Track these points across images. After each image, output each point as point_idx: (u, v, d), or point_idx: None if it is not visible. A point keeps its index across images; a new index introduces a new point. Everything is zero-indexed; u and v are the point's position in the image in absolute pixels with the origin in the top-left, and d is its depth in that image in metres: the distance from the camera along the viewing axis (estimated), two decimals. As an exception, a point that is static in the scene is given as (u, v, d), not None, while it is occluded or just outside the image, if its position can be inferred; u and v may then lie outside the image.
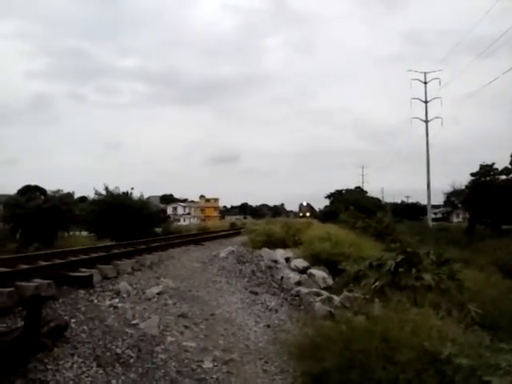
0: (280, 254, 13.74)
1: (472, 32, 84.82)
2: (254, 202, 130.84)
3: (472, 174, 42.96)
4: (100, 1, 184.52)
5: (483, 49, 78.35)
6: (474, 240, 32.13)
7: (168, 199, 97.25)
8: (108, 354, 5.33)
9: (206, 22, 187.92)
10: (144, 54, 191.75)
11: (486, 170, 42.00)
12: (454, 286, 7.18)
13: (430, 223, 46.89)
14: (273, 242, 15.66)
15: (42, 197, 25.27)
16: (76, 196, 26.63)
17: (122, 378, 4.89)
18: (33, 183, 46.68)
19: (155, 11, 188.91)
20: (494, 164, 41.87)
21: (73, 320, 6.03)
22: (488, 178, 41.36)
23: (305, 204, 69.51)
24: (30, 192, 31.48)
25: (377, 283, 7.00)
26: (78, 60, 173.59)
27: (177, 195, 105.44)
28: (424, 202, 56.03)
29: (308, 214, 62.44)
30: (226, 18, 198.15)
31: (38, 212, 20.70)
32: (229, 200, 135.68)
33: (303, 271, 11.76)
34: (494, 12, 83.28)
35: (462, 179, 47.38)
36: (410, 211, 67.08)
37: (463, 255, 20.52)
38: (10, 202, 22.99)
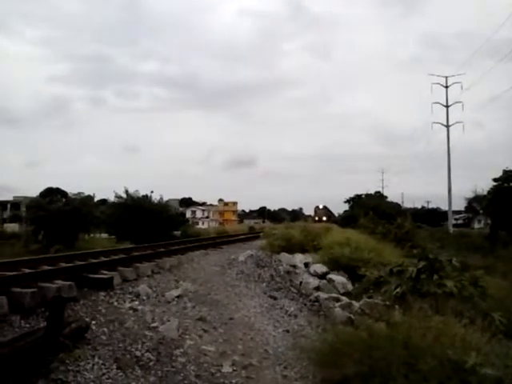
0: (299, 258, 13.67)
1: (494, 35, 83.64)
2: (272, 206, 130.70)
3: (494, 180, 42.18)
4: (120, 6, 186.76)
5: (505, 52, 76.89)
6: (497, 247, 31.55)
7: (187, 202, 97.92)
8: (128, 356, 5.35)
9: (225, 26, 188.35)
10: (163, 58, 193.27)
11: (509, 176, 41.17)
12: (477, 294, 7.06)
13: (451, 229, 46.22)
14: (291, 247, 15.58)
15: (64, 199, 25.71)
16: (96, 198, 27.09)
17: (142, 380, 4.90)
18: (54, 186, 47.67)
19: (174, 16, 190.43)
20: (517, 169, 41.07)
21: (93, 322, 6.08)
22: (511, 184, 40.56)
23: (321, 207, 62.83)
24: (52, 194, 32.05)
25: (398, 290, 6.91)
26: (98, 64, 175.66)
27: (196, 198, 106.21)
28: (445, 207, 55.41)
29: (325, 219, 56.26)
30: (244, 23, 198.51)
31: (60, 214, 21.06)
32: (247, 204, 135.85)
33: (322, 276, 11.68)
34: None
35: (484, 185, 46.57)
36: (431, 217, 66.35)
37: (485, 262, 20.18)
38: (33, 205, 23.46)
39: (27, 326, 5.55)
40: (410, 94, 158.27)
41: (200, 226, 64.20)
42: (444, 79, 47.60)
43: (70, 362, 4.81)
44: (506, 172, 41.63)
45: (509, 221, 37.28)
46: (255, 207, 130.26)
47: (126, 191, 24.62)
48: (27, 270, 7.87)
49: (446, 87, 47.76)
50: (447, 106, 47.84)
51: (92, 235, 26.46)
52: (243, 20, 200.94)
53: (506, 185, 40.76)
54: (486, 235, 39.56)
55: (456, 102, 47.02)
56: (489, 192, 43.18)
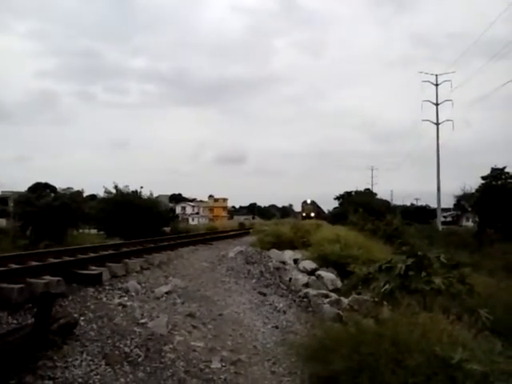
0: (288, 255, 13.71)
1: (484, 34, 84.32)
2: (262, 202, 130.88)
3: (483, 178, 42.57)
4: (111, 1, 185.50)
5: (495, 51, 77.62)
6: (484, 244, 31.87)
7: (177, 198, 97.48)
8: (116, 352, 5.34)
9: (216, 22, 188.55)
10: (154, 54, 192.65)
11: (498, 174, 41.59)
12: (465, 291, 7.11)
13: (440, 226, 46.59)
14: (281, 243, 15.64)
15: (52, 194, 25.47)
16: (85, 194, 26.83)
17: (130, 376, 4.90)
18: (42, 181, 47.22)
19: (165, 12, 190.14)
20: (505, 168, 41.47)
21: (82, 318, 6.05)
22: (499, 182, 40.97)
23: (309, 202, 56.27)
24: (40, 189, 31.71)
25: (386, 286, 6.94)
26: (88, 60, 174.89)
27: (186, 195, 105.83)
28: (434, 204, 55.83)
29: (313, 215, 50.72)
30: (235, 19, 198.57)
31: (49, 209, 20.84)
32: (237, 200, 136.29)
33: (312, 273, 11.72)
34: (506, 14, 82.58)
35: (473, 182, 47.10)
36: (420, 214, 66.64)
37: (473, 259, 20.37)
38: (21, 200, 23.19)
39: (14, 322, 5.52)
40: (401, 92, 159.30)
41: (190, 222, 64.03)
42: (434, 77, 47.97)
43: (58, 358, 4.80)
44: (494, 170, 42.04)
45: (496, 219, 37.67)
46: (245, 203, 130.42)
47: (116, 187, 24.50)
48: (15, 266, 7.82)
49: (436, 85, 48.12)
50: (437, 104, 48.19)
51: (81, 231, 26.23)
52: (234, 16, 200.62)
53: (494, 183, 41.17)
54: (473, 233, 39.92)
55: (446, 100, 47.42)
56: (477, 190, 43.59)
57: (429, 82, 48.15)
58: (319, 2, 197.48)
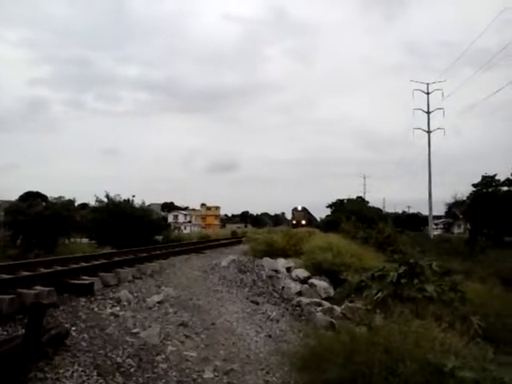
0: (281, 263, 13.70)
1: (474, 44, 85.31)
2: (254, 210, 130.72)
3: (474, 185, 42.89)
4: (103, 10, 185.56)
5: (485, 60, 78.42)
6: (476, 251, 32.00)
7: (169, 207, 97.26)
8: (108, 362, 5.29)
9: (208, 31, 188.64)
10: (146, 62, 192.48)
11: (488, 181, 41.93)
12: (457, 298, 7.14)
13: (431, 234, 46.77)
14: (274, 252, 15.62)
15: (43, 203, 25.27)
16: (77, 203, 26.64)
17: (123, 387, 4.86)
18: (33, 189, 46.92)
19: (158, 20, 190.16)
20: (495, 175, 41.85)
21: (73, 328, 6.00)
22: (490, 190, 41.29)
23: (299, 208, 53.86)
24: (31, 198, 31.43)
25: (379, 294, 6.96)
26: (80, 68, 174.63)
27: (178, 203, 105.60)
28: (425, 212, 55.95)
29: (304, 222, 48.86)
30: (227, 28, 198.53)
31: (40, 218, 20.67)
32: (230, 208, 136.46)
33: (304, 281, 11.71)
34: (496, 24, 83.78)
35: (464, 190, 47.36)
36: (412, 222, 66.90)
37: (464, 266, 20.43)
38: (12, 208, 22.97)
39: (5, 333, 5.45)
40: (392, 100, 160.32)
41: (182, 230, 63.76)
42: (425, 86, 48.34)
43: (49, 369, 4.75)
44: (485, 178, 42.38)
45: (488, 226, 37.93)
46: (238, 212, 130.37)
47: (107, 195, 24.40)
48: (5, 276, 7.74)
49: (428, 93, 48.43)
50: (428, 112, 48.48)
51: (72, 240, 26.04)
52: (226, 25, 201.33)
53: (484, 190, 41.48)
54: (465, 240, 40.12)
55: (437, 109, 47.72)
56: (468, 197, 43.88)
57: (420, 90, 48.56)
58: (310, 10, 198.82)
